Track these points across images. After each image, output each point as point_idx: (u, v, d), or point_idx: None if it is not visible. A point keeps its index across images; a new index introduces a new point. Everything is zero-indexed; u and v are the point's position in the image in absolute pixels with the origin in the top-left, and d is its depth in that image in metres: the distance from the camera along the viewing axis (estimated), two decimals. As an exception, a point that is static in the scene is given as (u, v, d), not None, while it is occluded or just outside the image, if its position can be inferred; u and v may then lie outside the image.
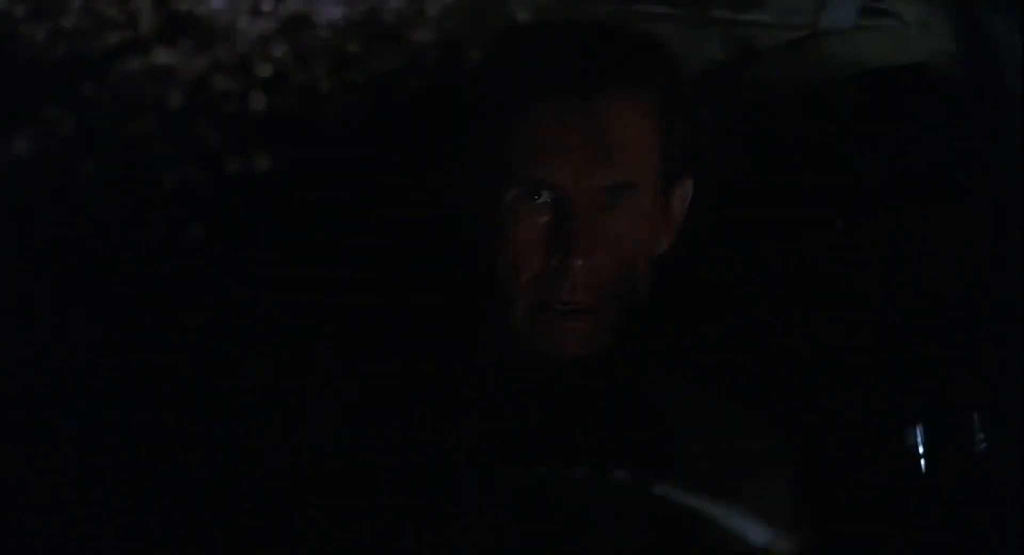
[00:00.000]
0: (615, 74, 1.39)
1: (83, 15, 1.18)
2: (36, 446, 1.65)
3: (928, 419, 1.67)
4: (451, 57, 1.33)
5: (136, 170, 1.66)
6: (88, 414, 1.69)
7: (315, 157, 1.72)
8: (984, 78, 1.37)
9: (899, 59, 1.54)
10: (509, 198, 1.39)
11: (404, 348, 1.50)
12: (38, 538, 1.60)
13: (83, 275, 1.70)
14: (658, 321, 1.61)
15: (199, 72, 1.21)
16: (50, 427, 1.65)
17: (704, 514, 1.20)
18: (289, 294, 1.74)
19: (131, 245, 1.72)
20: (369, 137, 1.68)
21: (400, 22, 1.21)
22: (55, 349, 1.66)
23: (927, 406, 1.67)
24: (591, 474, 1.22)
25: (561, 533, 1.32)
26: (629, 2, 1.40)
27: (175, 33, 1.16)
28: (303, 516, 1.33)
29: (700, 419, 1.47)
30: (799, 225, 1.75)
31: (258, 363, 1.61)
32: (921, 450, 1.66)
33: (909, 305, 1.68)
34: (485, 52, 1.39)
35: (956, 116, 1.59)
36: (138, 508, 1.64)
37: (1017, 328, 1.37)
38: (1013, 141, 1.33)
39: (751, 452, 1.46)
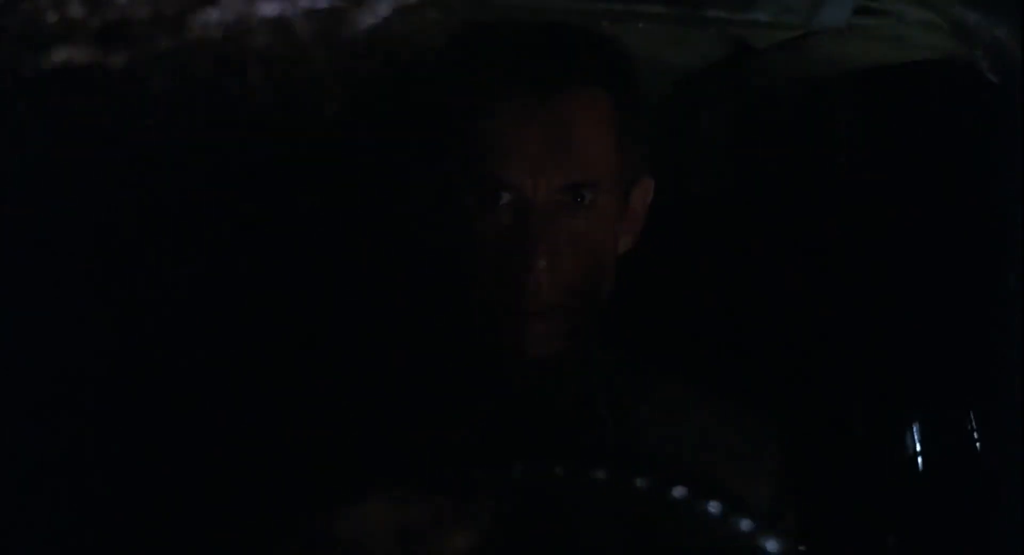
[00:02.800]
0: (571, 73, 1.39)
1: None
2: (36, 446, 1.65)
3: (925, 418, 1.67)
4: (414, 57, 1.32)
5: (114, 175, 1.66)
6: (88, 414, 1.69)
7: (277, 161, 1.72)
8: (982, 78, 1.37)
9: (895, 58, 1.54)
10: (471, 200, 1.39)
11: (371, 350, 1.49)
12: (38, 538, 1.60)
13: (80, 275, 1.69)
14: (648, 319, 1.61)
15: (156, 74, 1.20)
16: (50, 427, 1.65)
17: (689, 515, 1.20)
18: (258, 298, 1.74)
19: (116, 248, 1.72)
20: (330, 141, 1.68)
21: (358, 22, 1.21)
22: (54, 349, 1.66)
23: (924, 405, 1.67)
24: (568, 472, 1.21)
25: (541, 533, 1.32)
26: (622, 1, 1.39)
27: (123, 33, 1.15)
28: (286, 518, 1.32)
29: (675, 415, 1.47)
30: (795, 224, 1.75)
31: (231, 365, 1.61)
32: (918, 449, 1.66)
33: (907, 304, 1.68)
34: (442, 53, 1.39)
35: (953, 116, 1.59)
36: (138, 508, 1.64)
37: (1015, 328, 1.37)
38: (1012, 141, 1.33)
39: (730, 447, 1.46)
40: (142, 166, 1.66)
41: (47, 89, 1.21)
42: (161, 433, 1.69)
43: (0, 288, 1.58)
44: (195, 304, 1.74)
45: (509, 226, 1.38)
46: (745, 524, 1.20)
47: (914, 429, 1.67)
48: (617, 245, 1.45)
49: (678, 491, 1.20)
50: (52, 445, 1.67)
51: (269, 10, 1.14)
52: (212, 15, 1.14)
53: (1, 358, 1.56)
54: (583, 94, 1.40)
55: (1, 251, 1.57)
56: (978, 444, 1.61)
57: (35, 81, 1.19)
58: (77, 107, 1.27)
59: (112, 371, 1.71)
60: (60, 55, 1.16)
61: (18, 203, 1.60)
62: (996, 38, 1.32)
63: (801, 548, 1.22)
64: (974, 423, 1.61)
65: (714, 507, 1.20)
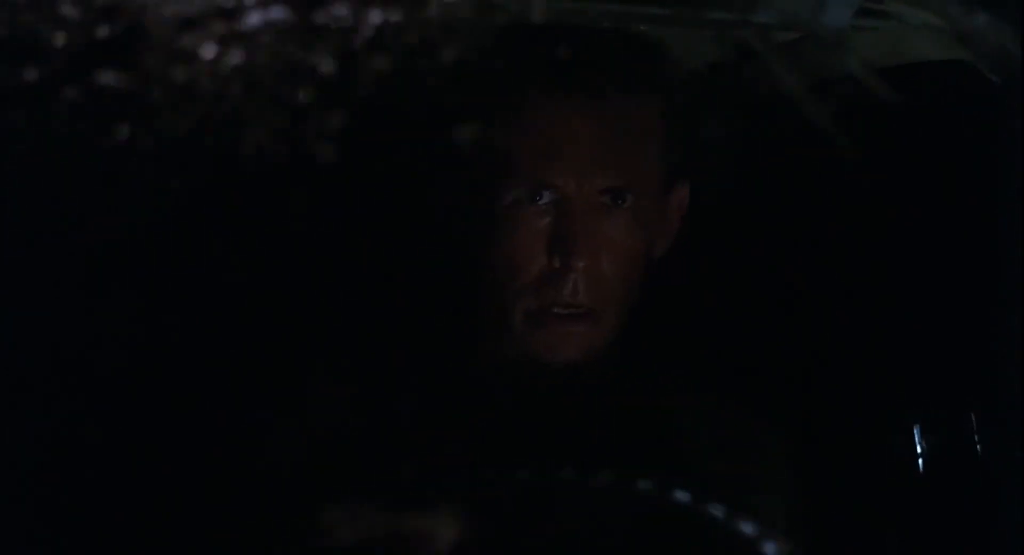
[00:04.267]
0: (618, 77, 1.39)
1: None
2: (36, 446, 1.64)
3: (926, 419, 1.67)
4: (449, 58, 1.33)
5: (120, 175, 1.66)
6: (89, 415, 1.69)
7: (313, 158, 1.71)
8: (983, 79, 1.37)
9: (897, 61, 1.54)
10: (509, 199, 1.39)
11: (402, 351, 1.49)
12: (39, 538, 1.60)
13: (79, 276, 1.69)
14: (658, 324, 1.61)
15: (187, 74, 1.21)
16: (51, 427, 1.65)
17: (708, 518, 1.20)
18: (286, 297, 1.74)
19: (120, 246, 1.72)
20: (368, 138, 1.68)
21: (397, 22, 1.21)
22: (55, 350, 1.66)
23: (925, 406, 1.67)
24: (598, 478, 1.21)
25: (564, 538, 1.32)
26: (626, 3, 1.39)
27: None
28: (295, 519, 1.32)
29: (701, 422, 1.47)
30: (796, 226, 1.75)
31: (254, 366, 1.61)
32: (919, 450, 1.66)
33: (908, 305, 1.68)
34: (485, 53, 1.39)
35: (955, 117, 1.60)
36: (138, 508, 1.64)
37: (1016, 328, 1.38)
38: (1013, 143, 1.33)
39: (754, 455, 1.46)
40: (171, 159, 1.66)
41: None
42: (154, 434, 1.69)
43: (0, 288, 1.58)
44: (221, 303, 1.74)
45: (548, 227, 1.38)
46: (748, 529, 1.20)
47: (915, 430, 1.67)
48: (653, 250, 1.45)
49: (683, 495, 1.20)
50: (47, 445, 1.67)
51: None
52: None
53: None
54: (628, 97, 1.40)
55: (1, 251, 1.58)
56: (978, 445, 1.61)
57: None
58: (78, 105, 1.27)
59: (112, 372, 1.71)
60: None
61: (18, 203, 1.60)
62: (997, 40, 1.32)
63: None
64: (975, 424, 1.61)
65: (730, 516, 1.20)
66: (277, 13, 1.12)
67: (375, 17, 1.15)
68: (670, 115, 1.42)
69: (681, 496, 1.21)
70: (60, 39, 1.11)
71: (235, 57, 1.16)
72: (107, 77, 1.18)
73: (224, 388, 1.63)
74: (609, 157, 1.38)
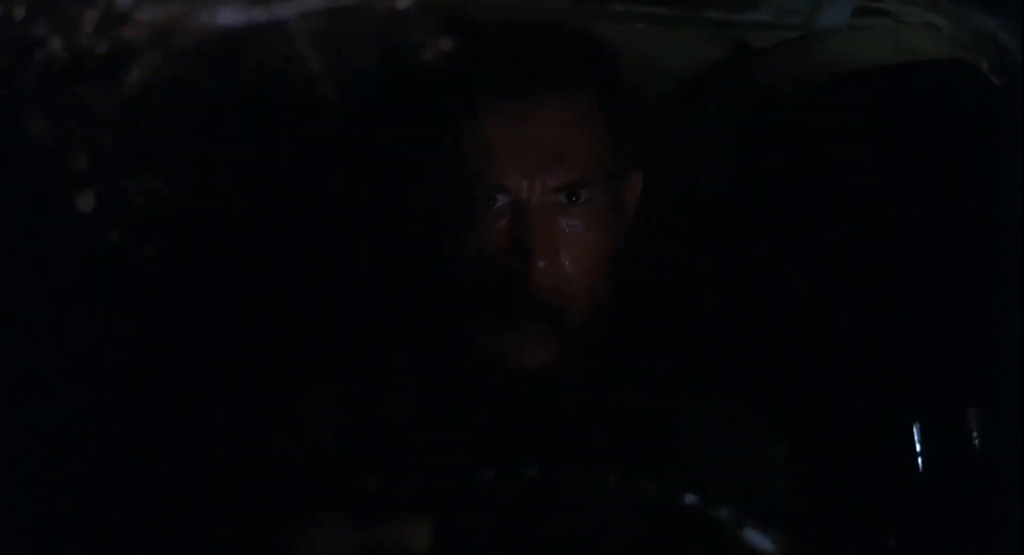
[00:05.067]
0: (555, 76, 1.40)
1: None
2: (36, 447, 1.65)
3: (925, 417, 1.67)
4: (401, 63, 1.33)
5: (107, 177, 1.66)
6: (89, 416, 1.69)
7: (279, 165, 1.72)
8: (982, 78, 1.37)
9: (895, 59, 1.54)
10: (467, 204, 1.39)
11: (372, 357, 1.49)
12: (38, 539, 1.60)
13: (79, 277, 1.69)
14: (648, 321, 1.61)
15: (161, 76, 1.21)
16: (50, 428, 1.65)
17: (693, 521, 1.20)
18: (260, 301, 1.74)
19: (113, 250, 1.72)
20: (326, 145, 1.68)
21: (358, 24, 1.21)
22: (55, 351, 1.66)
23: (924, 404, 1.67)
24: (578, 477, 1.21)
25: (548, 538, 1.31)
26: (624, 2, 1.39)
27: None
28: (288, 520, 1.32)
29: (684, 420, 1.47)
30: (795, 225, 1.75)
31: (234, 368, 1.61)
32: (918, 449, 1.66)
33: (907, 304, 1.68)
34: (437, 58, 1.39)
35: (954, 116, 1.59)
36: (137, 508, 1.64)
37: (1016, 328, 1.37)
38: (1013, 142, 1.33)
39: (748, 454, 1.46)
40: (143, 164, 1.66)
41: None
42: (138, 435, 1.69)
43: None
44: (191, 306, 1.74)
45: (506, 229, 1.39)
46: (746, 527, 1.20)
47: (915, 429, 1.67)
48: (612, 243, 1.45)
49: (689, 498, 1.20)
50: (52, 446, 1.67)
51: (265, 13, 1.14)
52: (209, 17, 1.14)
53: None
54: (568, 95, 1.40)
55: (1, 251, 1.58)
56: (978, 444, 1.61)
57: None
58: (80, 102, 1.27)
59: (108, 371, 1.72)
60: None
61: (18, 203, 1.60)
62: (996, 39, 1.32)
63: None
64: (974, 423, 1.61)
65: (715, 512, 1.20)
66: (228, 17, 1.12)
67: (329, 22, 1.15)
68: (610, 106, 1.42)
69: (651, 490, 1.21)
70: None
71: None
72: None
73: (202, 392, 1.64)
74: (558, 155, 1.39)
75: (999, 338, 1.42)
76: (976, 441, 1.61)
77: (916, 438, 1.67)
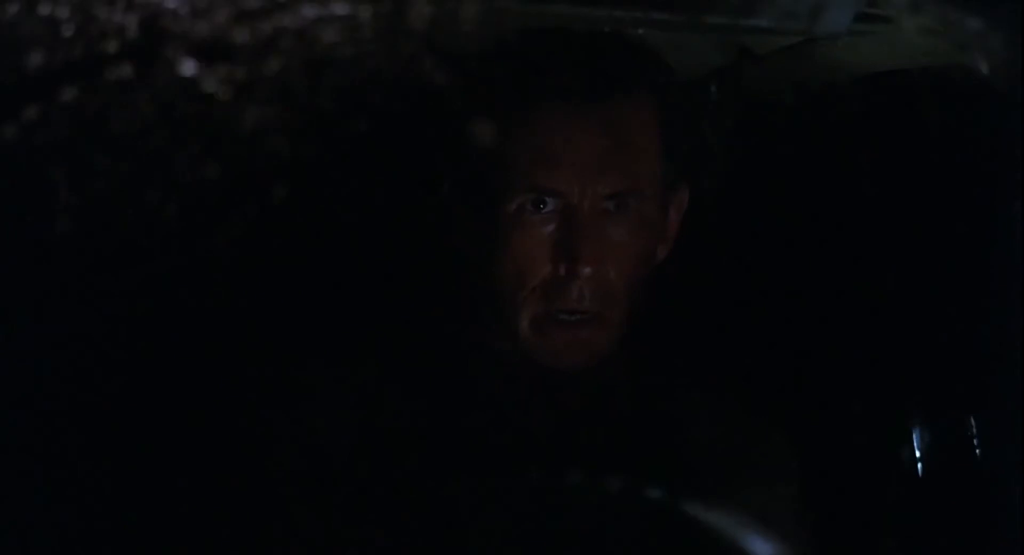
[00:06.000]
0: (618, 81, 1.40)
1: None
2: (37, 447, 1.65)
3: (925, 422, 1.67)
4: (452, 66, 1.33)
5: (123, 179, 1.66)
6: (90, 417, 1.69)
7: (317, 166, 1.72)
8: (982, 83, 1.37)
9: (896, 64, 1.54)
10: (513, 207, 1.39)
11: (410, 359, 1.49)
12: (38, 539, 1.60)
13: (79, 277, 1.69)
14: (661, 328, 1.61)
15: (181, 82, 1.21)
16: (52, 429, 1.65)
17: (714, 525, 1.20)
18: (293, 304, 1.74)
19: (126, 250, 1.71)
20: (372, 146, 1.68)
21: (394, 29, 1.21)
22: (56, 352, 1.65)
23: (924, 409, 1.67)
24: (605, 483, 1.22)
25: (571, 543, 1.32)
26: (626, 8, 1.39)
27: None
28: (303, 520, 1.32)
29: (706, 425, 1.48)
30: (795, 230, 1.75)
31: (263, 369, 1.61)
32: (918, 454, 1.67)
33: (908, 308, 1.68)
34: (486, 60, 1.39)
35: (954, 121, 1.60)
36: (137, 509, 1.64)
37: (1015, 330, 1.38)
38: (1013, 147, 1.33)
39: (759, 460, 1.47)
40: (159, 164, 1.66)
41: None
42: (142, 435, 1.69)
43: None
44: (230, 306, 1.74)
45: (553, 233, 1.39)
46: (749, 532, 1.20)
47: (914, 433, 1.67)
48: (656, 254, 1.45)
49: (695, 505, 1.21)
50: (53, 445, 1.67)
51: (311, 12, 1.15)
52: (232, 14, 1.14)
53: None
54: (631, 102, 1.40)
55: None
56: (978, 448, 1.61)
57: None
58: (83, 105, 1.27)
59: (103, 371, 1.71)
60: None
61: (19, 203, 1.60)
62: (996, 44, 1.32)
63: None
64: (974, 426, 1.61)
65: (740, 525, 1.20)
66: (269, 20, 1.12)
67: (378, 23, 1.15)
68: (668, 119, 1.42)
69: (658, 494, 1.21)
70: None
71: (235, 61, 1.16)
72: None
73: (224, 394, 1.63)
74: (612, 163, 1.39)
75: (999, 342, 1.42)
76: (976, 446, 1.61)
77: (916, 442, 1.67)
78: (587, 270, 1.37)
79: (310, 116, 1.28)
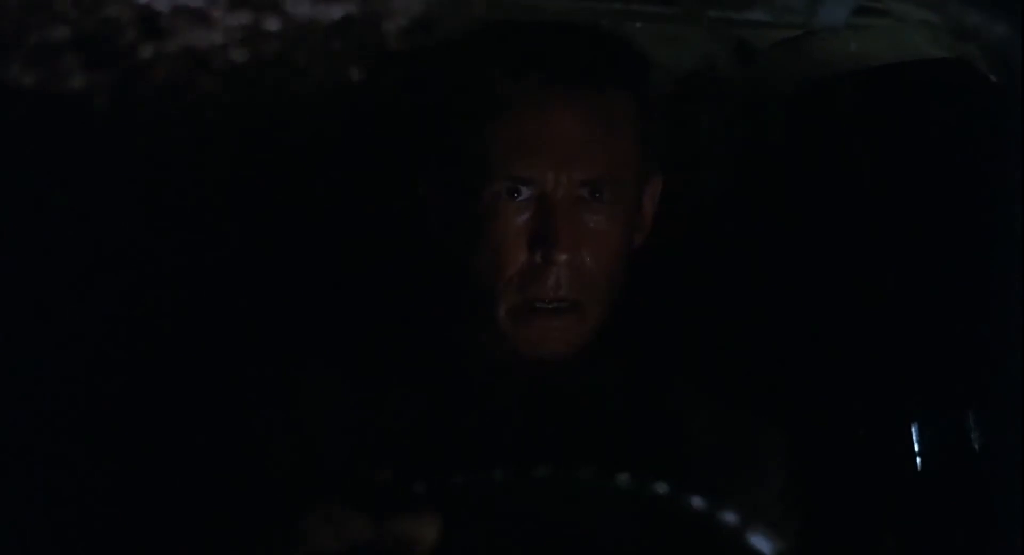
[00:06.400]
0: (596, 72, 1.40)
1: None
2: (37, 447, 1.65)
3: (924, 418, 1.67)
4: (425, 56, 1.33)
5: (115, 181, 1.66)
6: (89, 417, 1.69)
7: (292, 159, 1.72)
8: (981, 77, 1.37)
9: (894, 58, 1.54)
10: (488, 195, 1.39)
11: (386, 349, 1.49)
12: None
13: (80, 277, 1.70)
14: (651, 321, 1.61)
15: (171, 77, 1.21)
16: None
17: (697, 515, 1.20)
18: (269, 296, 1.74)
19: (121, 251, 1.72)
20: (347, 137, 1.68)
21: (372, 21, 1.21)
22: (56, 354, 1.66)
23: (923, 405, 1.67)
24: (589, 475, 1.21)
25: (556, 536, 1.31)
26: (621, 1, 1.39)
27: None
28: (290, 518, 1.32)
29: (696, 420, 1.48)
30: (795, 225, 1.75)
31: (242, 363, 1.61)
32: (917, 449, 1.66)
33: (906, 305, 1.68)
34: (461, 50, 1.39)
35: (953, 115, 1.59)
36: (137, 509, 1.64)
37: (1016, 328, 1.37)
38: (1012, 141, 1.33)
39: (749, 452, 1.46)
40: (151, 167, 1.66)
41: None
42: (138, 433, 1.69)
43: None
44: (208, 303, 1.74)
45: (529, 221, 1.39)
46: (736, 523, 1.20)
47: (913, 429, 1.67)
48: (632, 241, 1.45)
49: (696, 501, 1.20)
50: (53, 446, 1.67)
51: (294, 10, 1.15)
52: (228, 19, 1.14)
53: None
54: (606, 92, 1.41)
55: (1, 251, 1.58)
56: (976, 444, 1.61)
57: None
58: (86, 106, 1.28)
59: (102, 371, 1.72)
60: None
61: (19, 203, 1.60)
62: (996, 37, 1.32)
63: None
64: (973, 423, 1.61)
65: (724, 515, 1.20)
66: (246, 17, 1.12)
67: (352, 15, 1.15)
68: (642, 107, 1.43)
69: (661, 490, 1.21)
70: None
71: (218, 61, 1.16)
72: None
73: (203, 387, 1.64)
74: (586, 150, 1.39)
75: (998, 338, 1.41)
76: (975, 441, 1.61)
77: (914, 438, 1.66)
78: (563, 257, 1.37)
79: (285, 107, 1.28)
